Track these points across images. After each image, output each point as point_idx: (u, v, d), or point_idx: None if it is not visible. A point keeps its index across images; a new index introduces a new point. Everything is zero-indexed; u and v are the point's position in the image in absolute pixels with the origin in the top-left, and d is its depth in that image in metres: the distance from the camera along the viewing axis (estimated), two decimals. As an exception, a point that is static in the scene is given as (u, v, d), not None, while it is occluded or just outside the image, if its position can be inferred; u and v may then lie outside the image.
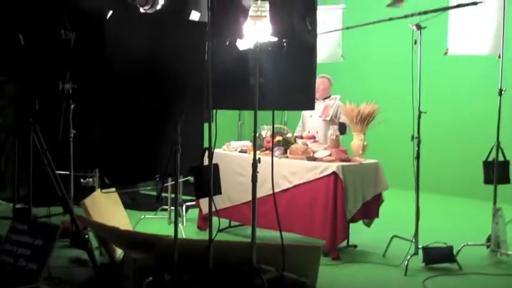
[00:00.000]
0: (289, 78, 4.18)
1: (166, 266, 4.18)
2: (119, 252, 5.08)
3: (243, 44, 4.03)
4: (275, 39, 3.98)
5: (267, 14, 3.95)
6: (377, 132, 6.23)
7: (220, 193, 4.30)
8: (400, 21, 5.41)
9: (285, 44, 3.97)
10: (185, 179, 6.50)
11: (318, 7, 6.87)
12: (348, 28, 6.64)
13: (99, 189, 5.51)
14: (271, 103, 4.17)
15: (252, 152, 4.23)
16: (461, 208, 8.18)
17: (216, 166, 4.22)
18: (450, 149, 9.02)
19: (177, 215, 4.36)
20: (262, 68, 4.00)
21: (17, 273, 3.02)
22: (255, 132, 4.15)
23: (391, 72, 8.89)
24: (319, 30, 6.60)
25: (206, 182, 4.12)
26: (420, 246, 5.18)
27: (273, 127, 4.34)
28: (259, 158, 4.15)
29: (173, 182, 4.37)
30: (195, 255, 4.23)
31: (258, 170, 4.18)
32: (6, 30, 5.00)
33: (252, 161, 4.14)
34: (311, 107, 4.44)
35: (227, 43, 4.05)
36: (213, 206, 4.25)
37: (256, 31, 3.94)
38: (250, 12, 3.97)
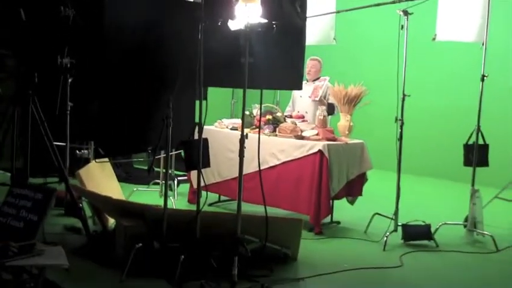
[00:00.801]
0: (278, 59, 4.37)
1: (156, 234, 4.40)
2: (111, 221, 5.29)
3: (234, 25, 4.19)
4: (265, 20, 4.14)
5: (258, -4, 4.12)
6: (364, 114, 6.43)
7: (209, 166, 4.48)
8: (390, 6, 5.58)
9: (274, 25, 4.14)
10: (177, 152, 6.68)
11: (311, -10, 7.07)
12: (338, 12, 6.80)
13: (94, 161, 5.71)
14: (260, 82, 4.36)
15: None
16: (441, 189, 8.45)
17: (206, 140, 4.41)
18: (433, 132, 9.27)
19: (167, 185, 4.56)
20: (252, 48, 4.17)
21: (15, 231, 3.22)
22: (243, 109, 4.34)
23: (380, 55, 9.06)
24: (312, 12, 6.81)
25: (195, 155, 4.31)
26: (400, 224, 5.41)
27: (261, 105, 4.52)
28: (246, 134, 4.33)
29: (165, 155, 4.55)
30: (183, 225, 4.44)
31: (248, 146, 4.37)
32: (7, 6, 5.13)
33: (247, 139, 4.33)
34: (299, 87, 4.65)
35: (219, 23, 4.21)
36: (204, 179, 4.44)
37: (247, 12, 4.09)
38: (242, -5, 4.13)
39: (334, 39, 7.38)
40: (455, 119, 8.76)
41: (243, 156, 4.37)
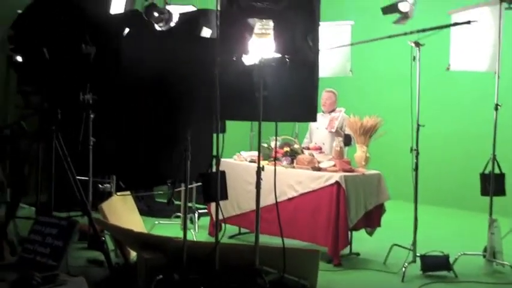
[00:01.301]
0: (292, 92, 4.47)
1: (176, 266, 4.48)
2: (133, 254, 5.38)
3: (248, 60, 4.33)
4: (278, 55, 4.28)
5: (271, 32, 4.26)
6: (380, 145, 6.48)
7: (226, 198, 4.58)
8: (403, 38, 5.68)
9: (287, 60, 4.26)
10: (197, 184, 6.78)
11: (328, 23, 7.24)
12: (351, 44, 6.92)
13: (116, 194, 5.84)
14: (275, 115, 4.46)
15: (262, 162, 4.52)
16: (459, 219, 8.38)
17: (223, 173, 4.51)
18: (449, 162, 9.25)
19: (186, 217, 4.65)
20: (266, 82, 4.30)
21: (41, 259, 3.35)
22: (259, 141, 4.45)
23: (395, 86, 9.14)
24: (328, 45, 6.95)
25: (213, 187, 4.41)
26: (418, 255, 5.41)
27: (276, 137, 4.62)
28: (263, 166, 4.44)
29: (184, 188, 4.66)
30: (203, 257, 4.52)
31: (265, 178, 4.47)
32: (32, 45, 5.34)
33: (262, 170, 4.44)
34: (313, 119, 4.74)
35: (234, 58, 4.35)
36: (221, 211, 4.53)
37: (261, 48, 4.23)
38: (256, 30, 4.28)
39: (350, 71, 7.48)
40: (470, 147, 8.76)
41: (260, 188, 4.47)
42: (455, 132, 9.22)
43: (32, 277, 2.91)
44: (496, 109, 5.57)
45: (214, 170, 4.53)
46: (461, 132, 9.14)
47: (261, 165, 4.45)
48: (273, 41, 4.24)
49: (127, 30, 4.16)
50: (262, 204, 5.21)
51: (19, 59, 5.90)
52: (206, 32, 5.18)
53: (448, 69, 6.12)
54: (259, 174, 4.41)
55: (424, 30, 5.26)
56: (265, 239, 5.58)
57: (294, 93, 4.49)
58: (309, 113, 4.60)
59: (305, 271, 4.78)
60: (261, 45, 4.26)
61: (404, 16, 5.98)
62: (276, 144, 4.90)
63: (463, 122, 9.15)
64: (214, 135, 4.49)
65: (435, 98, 8.89)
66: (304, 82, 4.48)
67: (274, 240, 5.55)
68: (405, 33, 5.40)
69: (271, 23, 4.26)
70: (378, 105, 7.75)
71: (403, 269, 5.27)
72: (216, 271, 4.44)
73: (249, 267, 4.48)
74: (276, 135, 4.57)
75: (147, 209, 8.09)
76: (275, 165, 4.64)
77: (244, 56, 4.34)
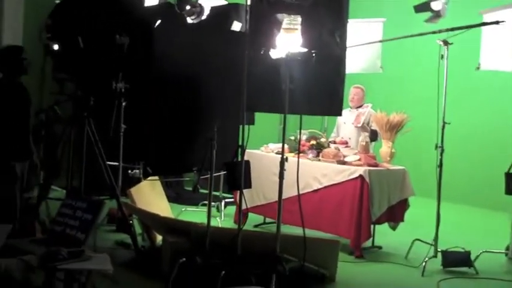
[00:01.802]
0: (318, 86, 4.56)
1: (199, 250, 4.63)
2: (159, 239, 5.55)
3: (276, 54, 4.43)
4: (305, 50, 4.37)
5: (299, 27, 4.36)
6: (406, 141, 6.53)
7: (250, 187, 4.70)
8: (433, 37, 5.72)
9: (313, 54, 4.36)
10: (222, 173, 6.92)
11: (360, 20, 7.29)
12: (381, 41, 6.97)
13: (144, 180, 6.02)
14: (300, 108, 4.56)
15: (288, 154, 4.64)
16: (482, 218, 8.38)
17: (247, 162, 4.63)
18: (474, 160, 9.23)
19: (210, 203, 4.79)
20: (292, 75, 4.40)
21: (68, 237, 3.52)
22: (283, 133, 4.56)
23: (423, 84, 9.12)
24: (358, 41, 7.01)
25: (237, 176, 4.54)
26: (439, 250, 5.47)
27: (300, 130, 4.72)
28: (286, 157, 4.55)
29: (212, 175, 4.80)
30: (226, 243, 4.66)
31: (290, 170, 4.59)
32: (68, 34, 5.53)
33: (285, 161, 4.55)
34: (338, 113, 4.83)
35: (262, 52, 4.46)
36: (244, 199, 4.66)
37: (288, 42, 4.33)
38: (283, 25, 4.38)
39: (380, 67, 7.52)
40: (496, 147, 8.74)
41: (283, 178, 4.59)
42: (482, 131, 9.18)
43: (59, 252, 3.09)
44: (523, 109, 5.57)
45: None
46: (488, 132, 9.10)
47: (284, 157, 4.55)
48: (300, 36, 4.33)
49: (159, 21, 4.31)
50: (287, 195, 5.34)
51: (55, 47, 6.10)
52: (236, 26, 5.29)
53: (478, 68, 6.14)
54: (283, 164, 4.52)
55: (453, 29, 5.30)
56: (289, 229, 5.70)
57: (320, 87, 4.58)
58: (333, 107, 4.69)
59: (325, 261, 4.89)
60: (288, 40, 4.35)
61: (436, 15, 6.00)
62: (299, 136, 4.98)
63: (489, 121, 9.10)
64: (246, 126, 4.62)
65: (463, 97, 8.87)
66: (330, 77, 4.57)
67: (298, 231, 5.65)
68: (434, 32, 5.44)
69: (299, 19, 4.34)
70: (405, 102, 7.78)
71: (424, 263, 5.33)
72: (237, 256, 4.57)
73: (270, 254, 4.60)
74: (300, 129, 4.65)
75: (176, 196, 8.26)
76: (298, 158, 4.74)
77: (271, 50, 4.45)
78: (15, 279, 2.85)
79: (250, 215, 6.71)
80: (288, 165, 4.63)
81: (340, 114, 4.87)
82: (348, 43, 4.69)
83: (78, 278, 3.55)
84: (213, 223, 4.79)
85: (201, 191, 7.12)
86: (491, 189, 7.58)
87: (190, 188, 8.93)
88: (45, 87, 7.70)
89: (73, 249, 3.27)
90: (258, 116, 6.88)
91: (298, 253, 4.69)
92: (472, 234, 7.06)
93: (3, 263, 2.82)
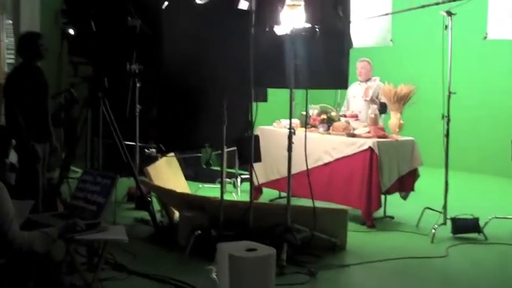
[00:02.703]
0: (323, 60, 4.68)
1: (214, 223, 4.82)
2: (177, 215, 5.75)
3: (280, 30, 4.57)
4: (308, 25, 4.50)
5: (302, 3, 4.49)
6: (414, 112, 6.62)
7: (260, 161, 4.88)
8: (437, 8, 5.77)
9: (317, 30, 4.48)
10: (232, 149, 7.09)
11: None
12: (386, 14, 7.03)
13: (161, 158, 6.20)
14: (305, 82, 4.70)
15: (299, 129, 4.78)
16: (490, 185, 8.44)
17: (257, 137, 4.80)
18: (481, 129, 9.27)
19: (223, 178, 4.96)
20: (297, 51, 4.54)
21: (84, 211, 3.72)
22: (290, 108, 4.71)
23: (430, 55, 9.16)
24: (367, 15, 7.07)
25: (247, 150, 4.72)
26: (449, 217, 5.59)
27: (306, 104, 4.87)
28: (294, 130, 4.71)
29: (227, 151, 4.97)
30: (239, 216, 4.85)
31: (301, 145, 4.78)
32: (82, 19, 5.70)
33: (293, 134, 4.73)
34: (343, 86, 4.96)
35: (267, 29, 4.60)
36: (254, 173, 4.84)
37: (292, 18, 4.47)
38: (287, 2, 4.51)
39: (390, 40, 7.57)
40: (502, 116, 8.82)
41: (291, 151, 4.76)
42: (488, 100, 9.21)
43: (77, 224, 3.30)
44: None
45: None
46: (495, 100, 9.13)
47: (292, 130, 4.71)
48: (303, 12, 4.46)
49: (166, 3, 4.46)
50: (299, 169, 5.52)
51: (71, 31, 6.28)
52: (243, 5, 5.40)
53: (485, 38, 6.18)
54: (291, 137, 4.69)
55: (455, 0, 5.37)
56: (301, 202, 5.86)
57: (325, 62, 4.70)
58: (338, 81, 4.81)
59: (335, 230, 5.05)
60: (292, 16, 4.48)
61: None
62: (306, 110, 5.12)
63: (496, 90, 9.14)
64: (254, 103, 4.78)
65: (471, 67, 8.93)
66: (334, 50, 4.69)
67: (311, 203, 5.82)
68: (437, 3, 5.50)
69: (302, -5, 4.47)
70: (414, 74, 7.83)
71: (433, 230, 5.45)
72: (250, 228, 4.75)
73: (281, 225, 4.78)
74: (306, 103, 4.80)
75: (194, 175, 8.47)
76: (305, 132, 4.89)
77: (276, 26, 4.58)
78: (37, 251, 3.05)
79: (266, 190, 6.88)
80: (298, 140, 4.78)
81: (345, 87, 5.00)
82: (357, 16, 4.79)
83: (98, 252, 3.80)
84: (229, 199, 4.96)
85: (217, 168, 7.32)
86: (498, 156, 7.66)
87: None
88: (63, 72, 7.91)
89: (90, 221, 3.48)
90: (271, 92, 7.01)
91: (309, 223, 4.87)
92: (480, 201, 7.15)
93: (26, 235, 3.02)
